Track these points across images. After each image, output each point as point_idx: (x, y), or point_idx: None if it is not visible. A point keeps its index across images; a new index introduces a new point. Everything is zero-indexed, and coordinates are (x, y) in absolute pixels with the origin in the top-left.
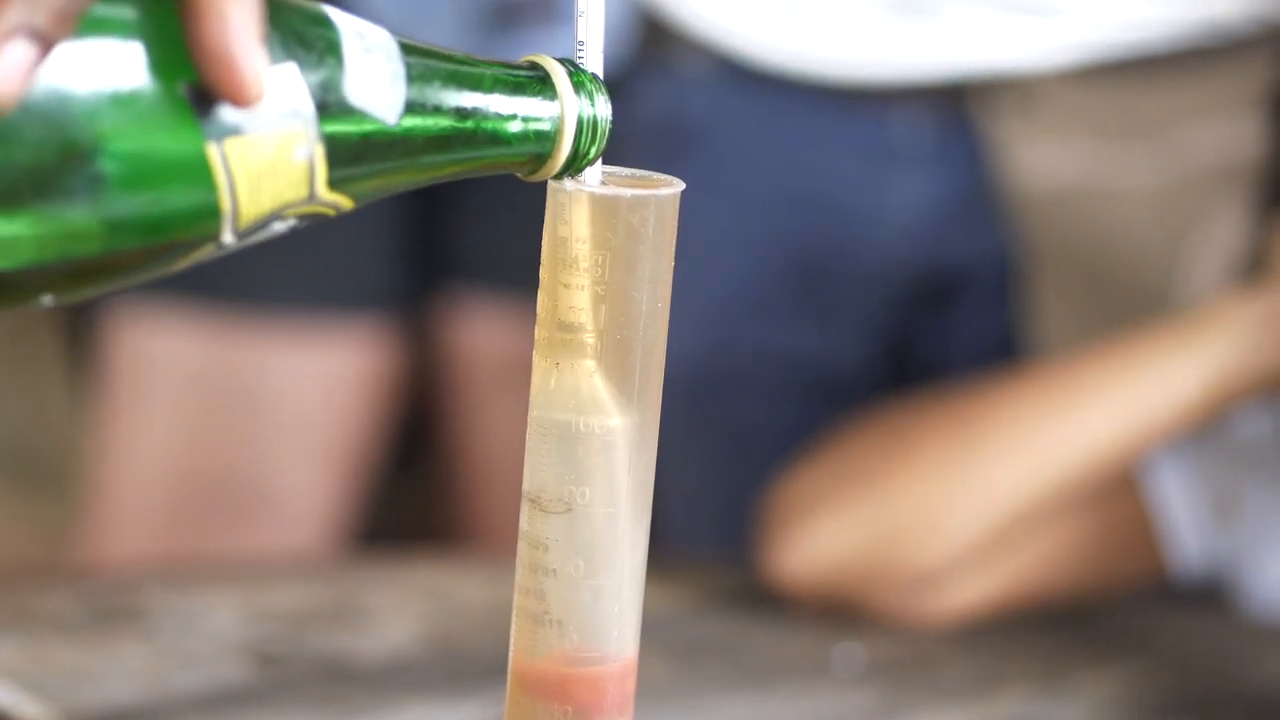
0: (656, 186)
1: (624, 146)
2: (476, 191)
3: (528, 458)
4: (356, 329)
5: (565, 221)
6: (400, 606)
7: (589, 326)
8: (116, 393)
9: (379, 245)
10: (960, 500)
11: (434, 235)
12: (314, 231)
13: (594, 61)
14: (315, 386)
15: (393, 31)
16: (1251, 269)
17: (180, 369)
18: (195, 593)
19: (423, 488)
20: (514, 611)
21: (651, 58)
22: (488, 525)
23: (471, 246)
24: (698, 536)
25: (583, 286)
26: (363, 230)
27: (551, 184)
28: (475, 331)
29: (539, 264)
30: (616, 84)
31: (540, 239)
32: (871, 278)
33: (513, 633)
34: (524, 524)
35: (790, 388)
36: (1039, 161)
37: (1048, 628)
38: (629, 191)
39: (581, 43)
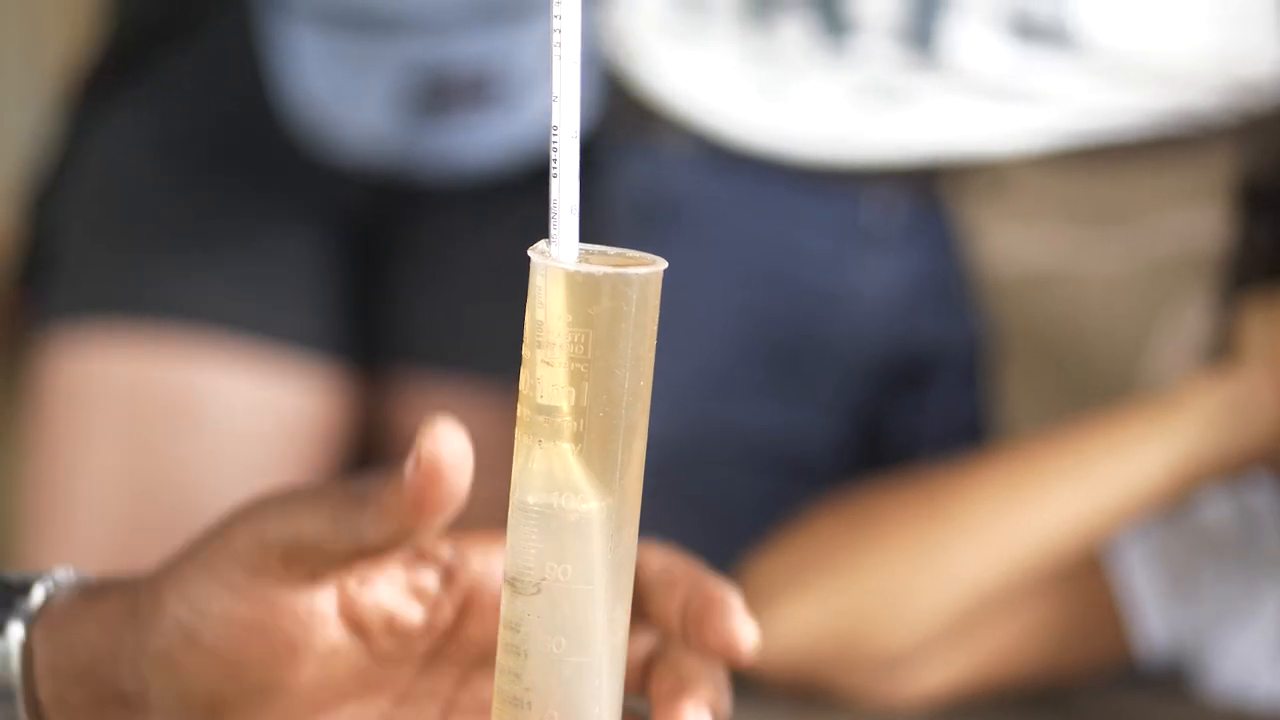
0: (639, 264)
1: (604, 223)
2: (429, 271)
3: (509, 539)
4: (298, 366)
5: (545, 301)
6: None
7: (569, 406)
8: (53, 416)
9: (321, 296)
10: (927, 583)
11: (385, 312)
12: (260, 260)
13: (569, 147)
14: (256, 413)
15: (325, 110)
16: (1217, 354)
17: (120, 389)
18: None
19: None
20: (494, 695)
21: (632, 136)
22: None
23: (423, 327)
24: None
25: (564, 365)
26: (307, 274)
27: (534, 261)
28: (420, 410)
29: (493, 346)
30: (586, 161)
31: (494, 319)
32: (843, 357)
33: (493, 715)
34: (503, 608)
35: (762, 465)
36: (1009, 245)
37: (1015, 710)
38: (612, 270)
39: (556, 127)
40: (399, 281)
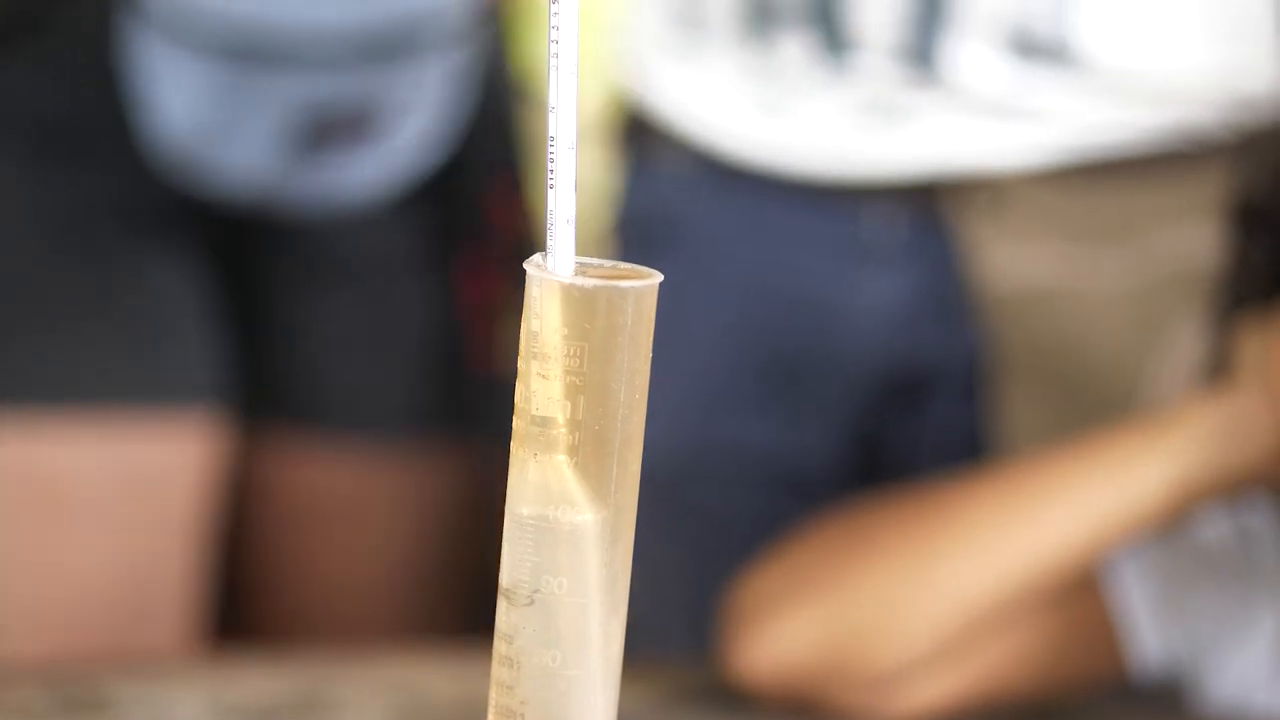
0: (634, 278)
1: (604, 240)
2: (288, 331)
3: (504, 551)
4: (165, 424)
5: (541, 313)
6: (369, 700)
7: (564, 418)
8: None
9: (188, 345)
10: (922, 600)
11: (257, 368)
12: (124, 313)
13: (566, 158)
14: (116, 479)
15: (205, 146)
16: (1215, 373)
17: None
18: (162, 684)
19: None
20: (489, 707)
21: (632, 154)
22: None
23: (299, 384)
24: (668, 628)
25: (559, 378)
26: (174, 319)
27: (531, 274)
28: (297, 466)
29: (365, 403)
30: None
31: (364, 369)
32: (841, 373)
33: None
34: (498, 619)
35: (760, 481)
36: (1008, 262)
37: None
38: (608, 283)
39: (553, 138)
40: (268, 324)
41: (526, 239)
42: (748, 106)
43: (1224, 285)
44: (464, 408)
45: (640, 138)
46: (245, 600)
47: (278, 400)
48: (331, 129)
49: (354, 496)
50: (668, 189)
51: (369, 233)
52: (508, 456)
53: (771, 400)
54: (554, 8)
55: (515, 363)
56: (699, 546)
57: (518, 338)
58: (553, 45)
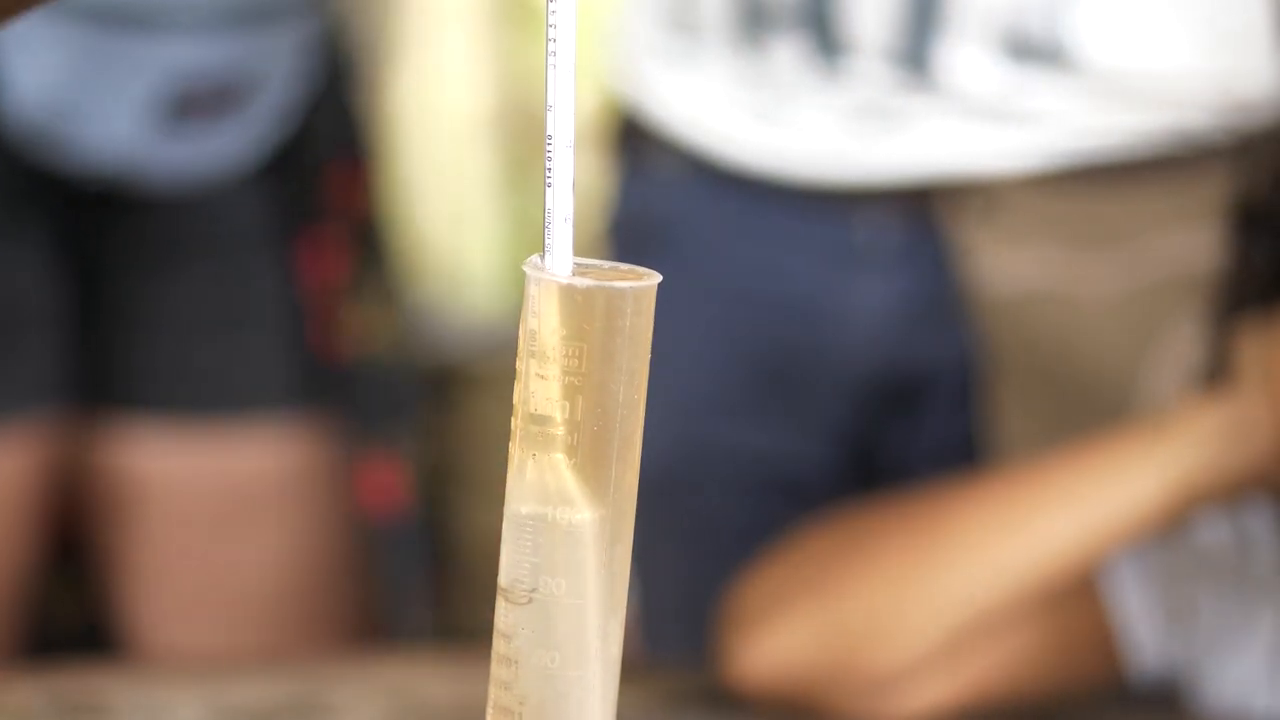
0: (632, 279)
1: (598, 244)
2: (139, 314)
3: (503, 550)
4: (9, 425)
5: (539, 313)
6: (366, 703)
7: (562, 418)
8: None
9: (40, 335)
10: (918, 604)
11: (93, 355)
12: None
13: (564, 157)
14: None
15: (63, 117)
16: (1212, 377)
17: None
18: (160, 688)
19: (77, 595)
20: (488, 704)
21: (626, 158)
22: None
23: (133, 368)
24: (664, 631)
25: (558, 378)
26: (23, 307)
27: (529, 274)
28: (135, 452)
29: (201, 387)
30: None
31: (204, 359)
32: (835, 378)
33: None
34: (497, 617)
35: (754, 486)
36: (1003, 266)
37: None
38: (607, 284)
39: (550, 136)
40: (121, 308)
41: (369, 219)
42: (741, 111)
43: (1223, 288)
44: (314, 389)
45: (634, 141)
46: (104, 592)
47: (127, 387)
48: (198, 100)
49: (211, 482)
50: (662, 193)
51: (219, 210)
52: (368, 438)
53: (765, 404)
54: (552, 7)
55: (363, 344)
56: (692, 550)
57: (362, 318)
58: (550, 44)
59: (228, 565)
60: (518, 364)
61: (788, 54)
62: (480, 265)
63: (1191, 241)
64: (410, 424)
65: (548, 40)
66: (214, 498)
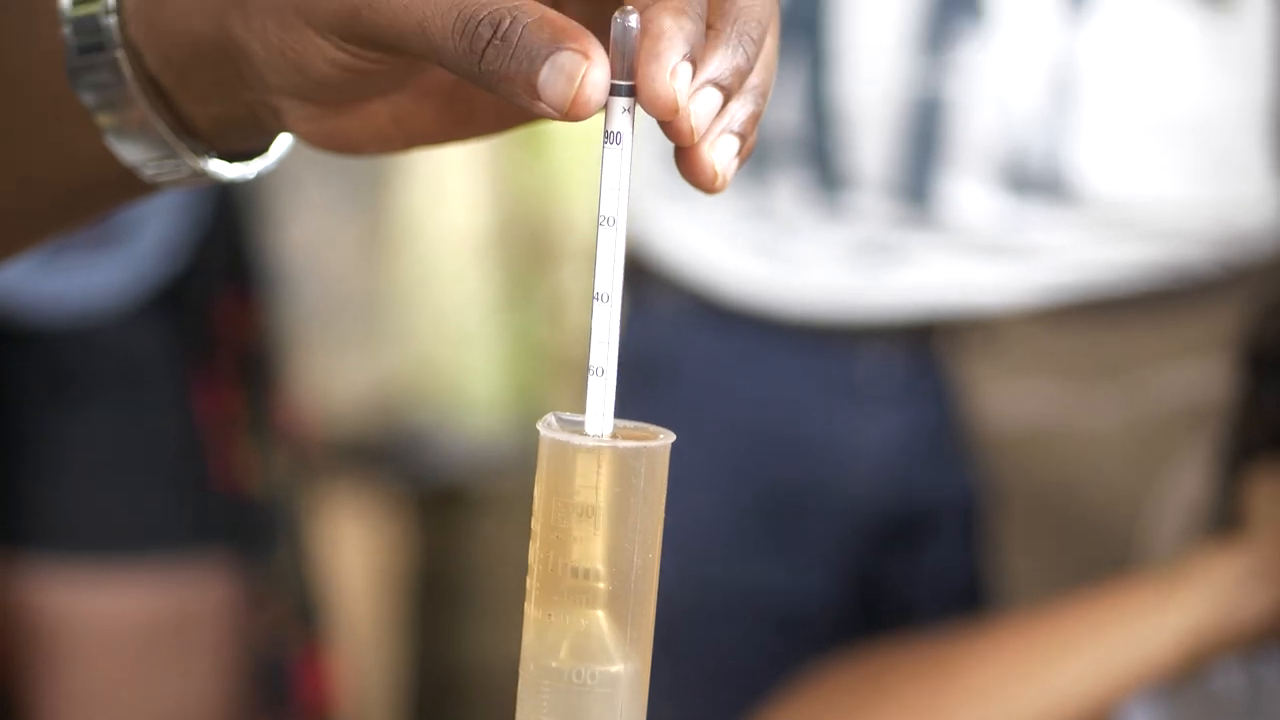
0: (647, 438)
1: None
2: (40, 451)
3: (519, 707)
4: None
5: (554, 473)
6: None
7: (579, 577)
8: None
9: None
10: None
11: (5, 493)
12: None
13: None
14: None
15: None
16: (1225, 524)
17: None
18: None
19: None
20: None
21: (629, 294)
22: None
23: (38, 507)
24: None
25: (574, 538)
26: None
27: (543, 435)
28: (46, 592)
29: (105, 527)
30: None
31: (106, 500)
32: (838, 514)
33: None
34: None
35: (759, 622)
36: (1005, 401)
37: None
38: (621, 444)
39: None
40: (23, 444)
41: (257, 352)
42: (743, 247)
43: (1233, 431)
44: (216, 525)
45: (637, 277)
46: None
47: (33, 526)
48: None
49: (120, 623)
50: (665, 329)
51: (111, 344)
52: (264, 573)
53: (768, 539)
54: (605, 175)
55: (259, 478)
56: (702, 688)
57: (257, 453)
58: (604, 206)
59: (143, 705)
60: (532, 524)
61: (789, 188)
62: (480, 385)
63: (1194, 376)
64: (292, 558)
65: (599, 202)
66: (125, 638)
